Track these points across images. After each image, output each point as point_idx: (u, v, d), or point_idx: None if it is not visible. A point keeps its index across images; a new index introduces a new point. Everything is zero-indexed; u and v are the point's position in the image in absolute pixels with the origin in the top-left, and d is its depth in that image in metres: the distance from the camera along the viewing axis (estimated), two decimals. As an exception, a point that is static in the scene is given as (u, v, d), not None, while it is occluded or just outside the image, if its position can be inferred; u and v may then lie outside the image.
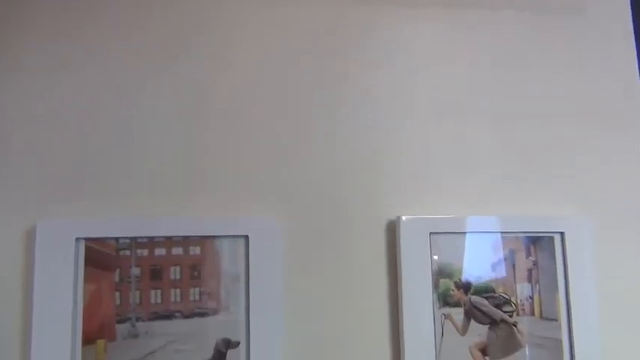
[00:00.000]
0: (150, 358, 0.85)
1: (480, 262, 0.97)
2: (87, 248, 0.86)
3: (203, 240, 0.90)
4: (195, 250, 0.89)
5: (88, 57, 0.93)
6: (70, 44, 0.93)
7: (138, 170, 0.92)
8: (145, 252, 0.88)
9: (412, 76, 1.03)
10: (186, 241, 0.89)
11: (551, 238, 1.00)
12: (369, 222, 0.97)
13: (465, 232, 0.97)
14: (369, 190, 0.98)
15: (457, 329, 0.95)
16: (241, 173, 0.94)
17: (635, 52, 1.12)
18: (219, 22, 0.98)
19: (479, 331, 0.95)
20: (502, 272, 0.98)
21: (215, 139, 0.95)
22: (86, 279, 0.85)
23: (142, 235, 0.88)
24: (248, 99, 0.97)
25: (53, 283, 0.84)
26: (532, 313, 0.98)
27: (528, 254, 1.00)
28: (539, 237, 1.00)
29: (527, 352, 0.96)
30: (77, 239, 0.85)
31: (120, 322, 0.85)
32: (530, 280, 0.99)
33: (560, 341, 0.98)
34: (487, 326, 0.96)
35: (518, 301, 0.98)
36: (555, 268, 1.00)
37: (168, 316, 0.87)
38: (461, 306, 0.95)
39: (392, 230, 0.97)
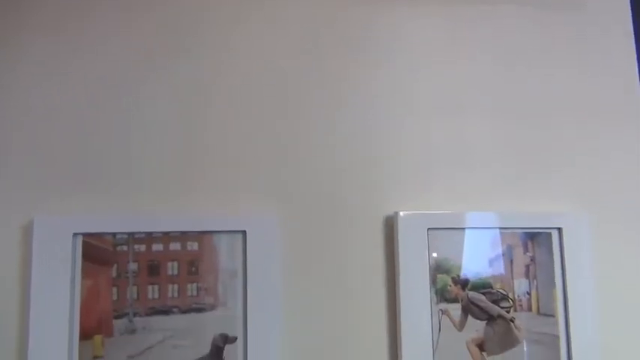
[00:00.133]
0: (147, 354, 0.85)
1: (477, 257, 0.98)
2: (84, 243, 0.86)
3: (201, 235, 0.90)
4: (193, 246, 0.89)
5: (86, 54, 0.93)
6: (69, 41, 0.93)
7: (136, 166, 0.91)
8: (143, 247, 0.88)
9: (411, 72, 1.03)
10: (183, 236, 0.89)
11: (549, 234, 1.00)
12: (367, 217, 0.97)
13: (462, 228, 0.98)
14: (367, 185, 0.98)
15: (454, 325, 0.95)
16: (239, 169, 0.94)
17: (634, 49, 1.12)
18: (218, 20, 0.98)
19: (476, 327, 0.96)
20: (500, 268, 0.98)
21: (213, 135, 0.94)
22: (83, 274, 0.85)
23: (140, 231, 0.88)
24: (247, 96, 0.97)
25: (50, 279, 0.83)
26: (529, 309, 0.98)
27: (526, 250, 1.00)
28: (536, 233, 1.00)
29: (524, 348, 0.97)
30: (74, 234, 0.85)
31: (117, 317, 0.85)
32: (527, 275, 0.99)
33: (557, 337, 0.98)
34: (484, 322, 0.96)
35: (516, 297, 0.98)
36: (553, 264, 1.00)
37: (165, 311, 0.87)
38: (458, 301, 0.96)
39: (390, 226, 0.96)
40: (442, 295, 0.95)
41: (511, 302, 0.97)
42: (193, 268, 0.89)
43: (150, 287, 0.87)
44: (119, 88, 0.93)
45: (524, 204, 1.02)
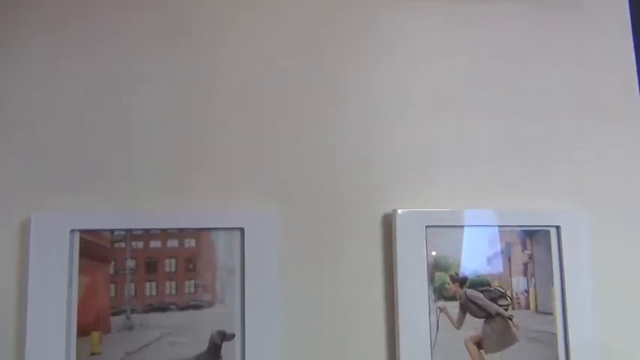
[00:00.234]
0: (145, 351, 0.85)
1: (476, 255, 0.97)
2: (82, 240, 0.86)
3: (199, 232, 0.90)
4: (191, 243, 0.89)
5: (84, 52, 0.93)
6: (68, 39, 0.93)
7: (134, 163, 0.91)
8: (140, 244, 0.88)
9: (410, 69, 1.03)
10: (181, 233, 0.89)
11: (547, 232, 1.00)
12: (365, 215, 0.97)
13: (461, 226, 0.97)
14: (365, 183, 0.98)
15: (452, 323, 0.95)
16: (237, 166, 0.94)
17: (632, 47, 1.12)
18: (218, 19, 0.97)
19: (474, 325, 0.95)
20: (498, 266, 0.98)
21: (212, 133, 0.94)
22: (81, 271, 0.85)
23: (138, 228, 0.87)
24: (245, 94, 0.96)
25: (48, 275, 0.83)
26: (527, 307, 0.98)
27: (524, 248, 1.00)
28: (535, 231, 1.00)
29: (522, 346, 0.96)
30: (72, 231, 0.85)
31: (115, 314, 0.85)
32: (525, 273, 0.99)
33: (555, 335, 0.98)
34: (482, 320, 0.96)
35: (514, 295, 0.98)
36: (551, 262, 1.00)
37: (163, 308, 0.87)
38: (456, 299, 0.95)
39: (388, 223, 0.96)
40: (440, 293, 0.95)
41: (509, 300, 0.97)
42: (191, 265, 0.89)
43: (147, 284, 0.87)
44: (117, 86, 0.93)
45: (522, 202, 1.02)
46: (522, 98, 1.06)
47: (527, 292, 0.99)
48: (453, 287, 0.96)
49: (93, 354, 0.84)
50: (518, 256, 0.99)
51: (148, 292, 0.87)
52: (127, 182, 0.90)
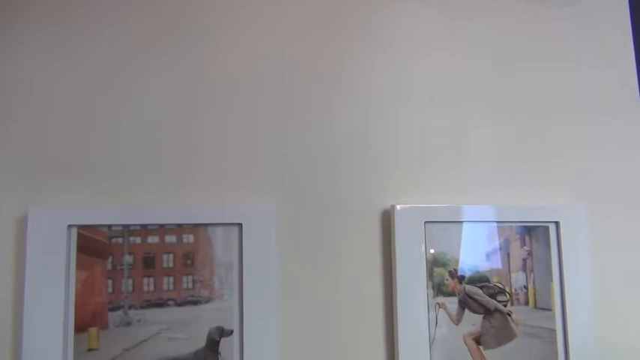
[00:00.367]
0: (143, 346, 0.85)
1: (474, 251, 0.97)
2: (79, 235, 0.85)
3: (197, 228, 0.89)
4: (189, 238, 0.89)
5: (81, 46, 0.92)
6: (65, 33, 0.92)
7: (131, 158, 0.91)
8: (138, 240, 0.87)
9: (408, 64, 1.03)
10: (179, 228, 0.89)
11: (546, 228, 1.00)
12: (363, 211, 0.96)
13: (460, 222, 0.97)
14: (364, 178, 0.97)
15: (451, 318, 0.95)
16: (235, 161, 0.94)
17: (632, 43, 1.12)
18: (215, 9, 0.97)
19: (473, 321, 0.95)
20: (497, 262, 0.98)
21: (210, 128, 0.94)
22: (78, 266, 0.85)
23: (135, 223, 0.87)
24: (243, 89, 0.96)
25: (45, 271, 0.83)
26: (526, 303, 0.98)
27: (523, 244, 1.00)
28: (534, 226, 1.00)
29: (521, 342, 0.96)
30: (69, 226, 0.85)
31: (112, 309, 0.85)
32: (524, 269, 0.99)
33: (554, 331, 0.98)
34: (481, 316, 0.96)
35: (513, 291, 0.98)
36: (550, 257, 1.00)
37: (161, 304, 0.87)
38: (455, 295, 0.95)
39: (387, 219, 0.96)
40: (439, 289, 0.95)
41: (508, 296, 0.97)
42: (189, 261, 0.88)
43: (145, 280, 0.87)
44: (114, 81, 0.92)
45: (521, 197, 1.02)
46: (521, 94, 1.06)
47: (526, 287, 0.98)
48: (451, 283, 0.95)
49: (90, 350, 0.83)
50: (517, 252, 0.99)
51: (145, 288, 0.86)
52: (124, 178, 0.90)
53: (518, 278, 0.98)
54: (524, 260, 0.99)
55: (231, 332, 0.87)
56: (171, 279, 0.87)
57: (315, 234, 0.94)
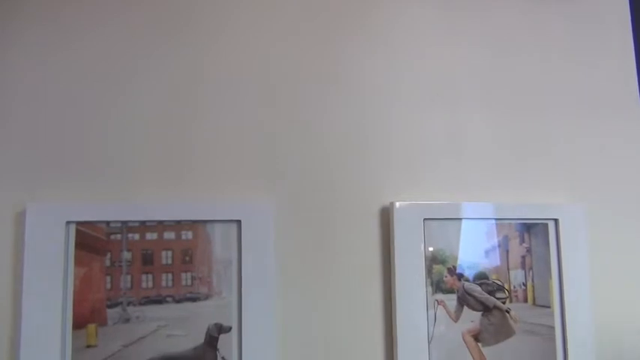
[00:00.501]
0: (141, 343, 0.85)
1: (473, 248, 0.97)
2: (77, 232, 0.85)
3: (195, 224, 0.89)
4: (187, 235, 0.89)
5: (80, 42, 0.92)
6: (63, 27, 0.92)
7: (130, 154, 0.91)
8: (137, 236, 0.87)
9: (407, 61, 1.03)
10: (178, 225, 0.89)
11: (545, 225, 1.00)
12: (363, 208, 0.96)
13: (459, 219, 0.97)
14: (363, 176, 0.97)
15: (450, 315, 0.95)
16: (234, 158, 0.94)
17: (632, 40, 1.12)
18: (211, 3, 0.97)
19: (472, 318, 0.95)
20: (496, 259, 0.98)
21: (209, 125, 0.94)
22: (77, 263, 0.84)
23: (134, 220, 0.87)
24: (242, 85, 0.96)
25: (43, 267, 0.83)
26: (525, 300, 0.98)
27: (522, 241, 0.99)
28: (533, 224, 1.00)
29: (519, 339, 0.96)
30: (68, 222, 0.84)
31: (111, 306, 0.85)
32: (523, 266, 0.99)
33: (552, 328, 0.98)
34: (480, 313, 0.96)
35: (512, 288, 0.98)
36: (549, 255, 1.00)
37: (159, 300, 0.86)
38: (454, 292, 0.95)
39: (386, 216, 0.96)
40: (438, 286, 0.95)
41: (507, 293, 0.97)
42: (188, 258, 0.88)
43: (144, 276, 0.87)
44: (112, 77, 0.92)
45: (520, 195, 1.02)
46: (521, 92, 1.06)
47: (524, 285, 0.98)
48: (450, 280, 0.95)
49: (89, 346, 0.83)
50: (516, 249, 0.99)
51: (144, 285, 0.86)
52: (123, 174, 0.90)
53: (516, 275, 0.98)
54: (523, 257, 0.99)
55: (229, 329, 0.87)
56: (170, 275, 0.87)
57: (314, 231, 0.94)
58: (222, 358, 0.87)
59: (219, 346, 0.87)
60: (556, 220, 1.00)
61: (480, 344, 0.95)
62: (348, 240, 0.95)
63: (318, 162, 0.96)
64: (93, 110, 0.91)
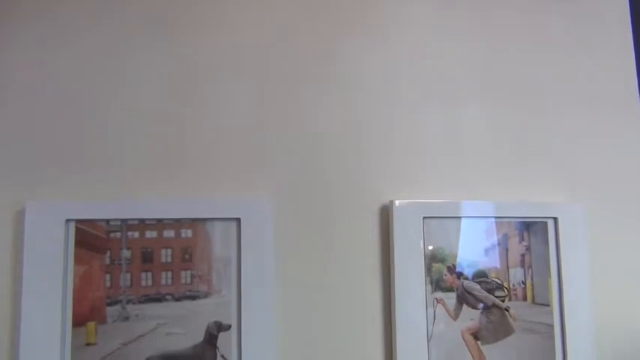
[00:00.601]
0: (141, 341, 0.85)
1: (473, 246, 0.97)
2: (77, 230, 0.85)
3: (195, 223, 0.89)
4: (187, 233, 0.89)
5: (77, 38, 0.92)
6: (59, 24, 0.92)
7: (130, 152, 0.90)
8: (136, 234, 0.87)
9: (406, 60, 1.02)
10: (177, 223, 0.89)
11: (545, 224, 1.00)
12: (362, 206, 0.96)
13: (458, 217, 0.97)
14: (363, 174, 0.97)
15: (449, 314, 0.95)
16: (234, 156, 0.93)
17: (631, 35, 1.12)
18: (208, 3, 0.96)
19: (471, 316, 0.95)
20: (495, 257, 0.98)
21: (208, 121, 0.94)
22: (76, 261, 0.84)
23: (133, 218, 0.87)
24: (240, 82, 0.96)
25: (43, 265, 0.83)
26: (524, 298, 0.98)
27: (521, 239, 1.00)
28: (532, 222, 1.00)
29: (519, 337, 0.96)
30: (67, 220, 0.84)
31: (110, 304, 0.85)
32: (522, 265, 0.99)
33: (551, 326, 0.98)
34: (479, 311, 0.96)
35: (511, 286, 0.98)
36: (548, 253, 1.00)
37: (159, 298, 0.87)
38: (453, 290, 0.95)
39: (385, 214, 0.96)
40: (437, 284, 0.95)
41: (506, 291, 0.97)
42: (187, 256, 0.88)
43: (143, 274, 0.87)
44: (111, 75, 0.92)
45: (520, 193, 1.02)
46: (520, 90, 1.06)
47: (524, 283, 0.99)
48: (449, 278, 0.95)
49: (88, 344, 0.83)
50: (516, 248, 0.99)
51: (143, 283, 0.86)
52: (122, 172, 0.90)
53: (516, 274, 0.99)
54: (523, 256, 0.99)
55: (229, 327, 0.87)
56: (170, 274, 0.87)
57: (314, 229, 0.94)
58: (222, 356, 0.87)
59: (218, 344, 0.87)
60: (555, 219, 1.00)
61: (479, 342, 0.95)
62: (347, 238, 0.95)
63: (318, 160, 0.96)
64: (92, 108, 0.91)
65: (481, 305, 0.96)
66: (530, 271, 0.99)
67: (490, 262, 0.98)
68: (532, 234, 1.00)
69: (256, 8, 0.98)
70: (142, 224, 0.87)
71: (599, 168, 1.07)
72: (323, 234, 0.95)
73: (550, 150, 1.05)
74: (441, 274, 0.95)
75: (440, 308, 0.94)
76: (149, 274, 0.87)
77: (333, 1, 1.01)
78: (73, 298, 0.84)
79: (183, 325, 0.86)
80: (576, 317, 0.98)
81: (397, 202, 0.94)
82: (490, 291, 0.97)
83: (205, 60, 0.95)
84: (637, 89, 1.12)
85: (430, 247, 0.95)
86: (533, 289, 0.99)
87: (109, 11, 0.93)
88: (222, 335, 0.87)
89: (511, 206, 0.99)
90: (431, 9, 1.05)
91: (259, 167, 0.94)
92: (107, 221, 0.86)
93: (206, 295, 0.88)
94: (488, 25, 1.07)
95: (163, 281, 0.87)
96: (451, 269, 0.96)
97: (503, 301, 0.97)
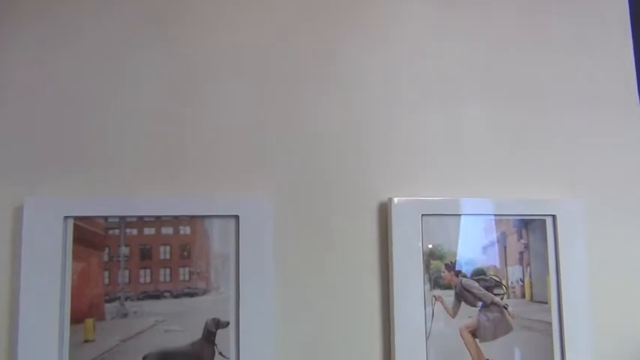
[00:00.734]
0: (139, 338, 0.85)
1: (471, 244, 0.97)
2: (75, 227, 0.85)
3: (193, 220, 0.89)
4: (185, 230, 0.89)
5: (76, 37, 0.92)
6: (59, 24, 0.92)
7: (128, 149, 0.91)
8: (135, 231, 0.87)
9: (405, 59, 1.03)
10: (176, 220, 0.89)
11: (543, 221, 1.00)
12: (360, 203, 0.96)
13: (457, 215, 0.97)
14: (361, 171, 0.97)
15: (448, 311, 0.95)
16: (232, 154, 0.94)
17: (631, 35, 1.12)
18: (207, 2, 0.97)
19: (469, 314, 0.95)
20: (493, 255, 0.98)
21: (207, 119, 0.94)
22: (74, 258, 0.85)
23: (132, 215, 0.87)
24: (238, 81, 0.96)
25: (41, 262, 0.83)
26: (523, 296, 0.98)
27: (520, 237, 0.99)
28: (531, 220, 1.00)
29: (517, 335, 0.96)
30: (65, 217, 0.85)
31: (109, 301, 0.85)
32: (521, 262, 0.99)
33: (550, 324, 0.98)
34: (478, 308, 0.96)
35: (509, 284, 0.98)
36: (546, 251, 1.00)
37: (157, 295, 0.87)
38: (452, 288, 0.95)
39: (384, 212, 0.96)
40: (436, 282, 0.95)
41: (504, 289, 0.97)
42: (185, 253, 0.89)
43: (142, 271, 0.87)
44: (111, 73, 0.92)
45: (518, 191, 1.02)
46: (519, 88, 1.06)
47: (522, 281, 0.98)
48: (448, 276, 0.95)
49: (87, 341, 0.84)
50: (514, 245, 0.99)
51: (142, 280, 0.87)
52: (121, 169, 0.90)
53: (514, 271, 0.98)
54: (521, 253, 0.99)
55: (227, 324, 0.88)
56: (168, 271, 0.88)
57: (312, 226, 0.94)
58: (220, 353, 0.87)
59: (216, 341, 0.87)
60: (554, 217, 1.00)
61: (477, 340, 0.95)
62: (346, 235, 0.95)
63: (317, 158, 0.96)
64: (91, 106, 0.91)
65: (479, 303, 0.96)
66: (528, 268, 0.99)
67: (489, 259, 0.98)
68: (531, 231, 1.00)
69: (256, 8, 0.98)
70: (141, 221, 0.87)
71: (598, 167, 1.07)
72: (321, 231, 0.95)
73: (548, 148, 1.05)
74: (440, 271, 0.95)
75: (438, 306, 0.94)
76: (147, 271, 0.87)
77: (333, 1, 1.01)
78: (72, 295, 0.84)
79: (181, 322, 0.86)
80: (575, 315, 0.98)
81: (396, 200, 0.94)
82: (489, 289, 0.97)
83: (205, 60, 0.95)
84: (637, 89, 1.12)
85: (429, 245, 0.95)
86: (531, 287, 0.99)
87: (109, 11, 0.94)
88: (220, 332, 0.87)
89: (510, 204, 0.99)
90: (431, 9, 1.05)
91: (259, 167, 0.95)
92: (105, 218, 0.86)
93: (204, 292, 0.88)
94: (488, 25, 1.07)
95: (162, 278, 0.87)
96: (450, 267, 0.96)
97: (501, 298, 0.97)
